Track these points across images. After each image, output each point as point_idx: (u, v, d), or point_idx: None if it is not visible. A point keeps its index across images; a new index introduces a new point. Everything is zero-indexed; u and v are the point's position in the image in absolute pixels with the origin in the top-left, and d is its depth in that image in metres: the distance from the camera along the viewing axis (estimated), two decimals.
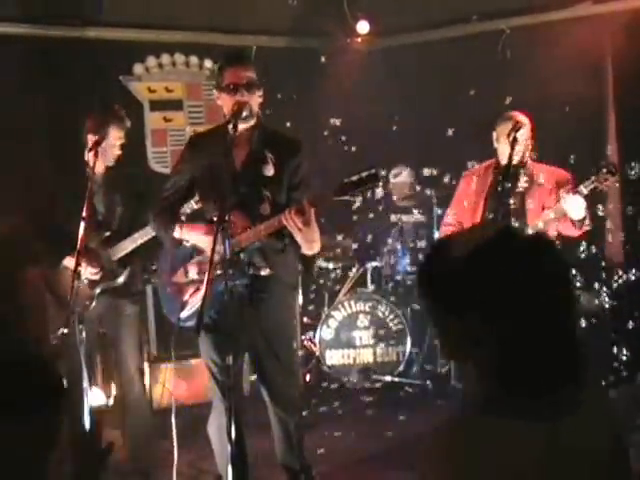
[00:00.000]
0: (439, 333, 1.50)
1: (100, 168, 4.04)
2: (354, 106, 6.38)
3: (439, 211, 5.70)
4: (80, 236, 3.58)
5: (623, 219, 5.73)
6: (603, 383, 4.97)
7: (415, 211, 6.30)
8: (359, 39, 6.89)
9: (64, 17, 5.87)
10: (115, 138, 4.02)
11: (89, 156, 3.88)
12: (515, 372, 1.40)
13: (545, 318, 1.38)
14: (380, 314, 5.95)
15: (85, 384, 3.66)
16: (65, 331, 3.50)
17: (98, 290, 3.99)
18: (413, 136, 6.42)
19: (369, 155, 6.14)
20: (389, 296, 6.11)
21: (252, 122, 3.40)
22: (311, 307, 6.27)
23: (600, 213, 4.48)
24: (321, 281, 6.28)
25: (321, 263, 6.21)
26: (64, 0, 5.82)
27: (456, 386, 5.47)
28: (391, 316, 5.93)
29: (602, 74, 5.96)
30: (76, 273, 3.56)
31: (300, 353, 4.26)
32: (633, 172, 4.18)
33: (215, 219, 2.97)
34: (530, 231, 4.04)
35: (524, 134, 4.16)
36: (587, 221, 3.97)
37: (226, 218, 2.94)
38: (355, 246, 6.36)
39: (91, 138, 3.98)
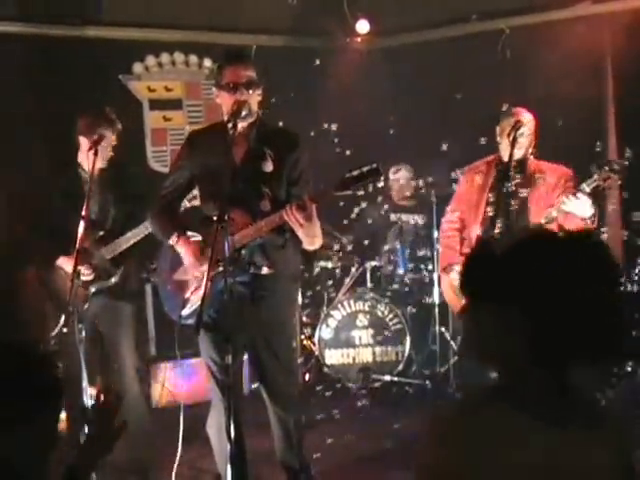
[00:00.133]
0: (476, 329, 1.49)
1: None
2: (353, 105, 6.39)
3: (440, 209, 5.69)
4: (79, 236, 3.59)
5: (623, 218, 5.74)
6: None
7: (415, 210, 6.31)
8: (359, 39, 6.90)
9: (64, 16, 5.87)
10: (107, 140, 4.03)
11: (88, 156, 3.91)
12: (542, 370, 1.42)
13: (584, 317, 1.38)
14: (379, 314, 5.95)
15: (84, 383, 3.66)
16: (65, 330, 3.50)
17: (92, 289, 3.99)
18: (412, 135, 6.41)
19: (368, 154, 6.13)
20: (388, 295, 6.11)
21: (251, 120, 3.40)
22: (310, 306, 6.27)
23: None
24: (320, 280, 6.28)
25: (320, 262, 6.21)
26: None
27: (455, 384, 5.48)
28: (390, 316, 5.93)
29: (601, 74, 5.97)
30: (75, 273, 3.57)
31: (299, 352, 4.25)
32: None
33: (215, 217, 2.97)
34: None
35: (526, 132, 4.16)
36: (596, 217, 3.97)
37: (226, 217, 2.94)
38: (354, 245, 6.35)
39: (82, 140, 4.03)
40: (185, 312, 3.33)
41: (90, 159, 3.84)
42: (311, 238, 3.24)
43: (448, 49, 6.46)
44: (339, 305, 5.99)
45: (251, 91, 3.35)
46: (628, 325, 1.44)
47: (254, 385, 3.57)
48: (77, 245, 3.61)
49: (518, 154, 4.18)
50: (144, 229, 3.95)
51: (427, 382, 5.70)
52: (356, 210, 6.33)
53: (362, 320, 5.97)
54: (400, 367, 5.87)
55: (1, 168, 5.15)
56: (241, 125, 3.34)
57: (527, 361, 1.42)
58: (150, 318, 5.81)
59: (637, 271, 5.20)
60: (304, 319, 6.12)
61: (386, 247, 6.25)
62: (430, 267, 5.94)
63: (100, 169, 4.07)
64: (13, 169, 4.85)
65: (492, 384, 1.49)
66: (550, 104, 5.40)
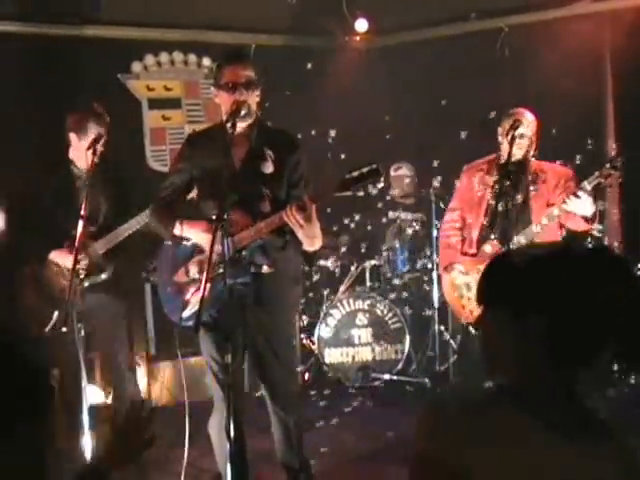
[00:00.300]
0: (494, 337, 1.50)
1: (84, 165, 4.10)
2: (352, 104, 6.39)
3: (439, 207, 5.69)
4: (78, 235, 3.60)
5: (622, 216, 5.74)
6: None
7: (414, 208, 6.31)
8: (358, 37, 6.90)
9: (63, 15, 5.87)
10: (95, 135, 4.06)
11: (79, 152, 3.96)
12: (554, 376, 1.43)
13: (601, 326, 1.40)
14: (379, 312, 5.95)
15: (84, 382, 3.66)
16: (64, 329, 3.50)
17: (86, 284, 3.99)
18: (412, 134, 6.42)
19: (367, 153, 6.14)
20: (388, 294, 6.11)
21: (250, 120, 3.40)
22: (310, 305, 6.27)
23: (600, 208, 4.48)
24: (320, 279, 6.28)
25: (320, 261, 6.21)
26: None
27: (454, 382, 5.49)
28: (390, 314, 5.93)
29: (601, 72, 5.97)
30: (75, 271, 3.58)
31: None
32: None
33: (214, 217, 2.96)
34: (534, 229, 4.05)
35: (526, 132, 4.16)
36: (597, 215, 3.98)
37: (225, 216, 2.94)
38: (353, 244, 6.35)
39: (72, 136, 4.09)
40: (186, 314, 3.31)
41: (88, 157, 3.87)
42: (311, 239, 3.24)
43: (447, 48, 6.46)
44: (338, 304, 5.99)
45: (250, 91, 3.34)
46: None
47: (258, 394, 3.57)
48: (76, 244, 3.61)
49: (519, 154, 4.19)
50: (135, 223, 4.01)
51: (426, 381, 5.71)
52: (357, 217, 6.33)
53: (361, 319, 5.97)
54: (400, 366, 5.88)
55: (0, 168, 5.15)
56: (240, 125, 3.33)
57: (542, 368, 1.43)
58: (149, 317, 5.80)
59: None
60: (303, 318, 6.12)
61: (385, 246, 6.25)
62: (430, 266, 5.94)
63: (88, 165, 4.10)
64: (12, 168, 4.84)
65: (497, 385, 1.49)
66: (549, 102, 5.41)
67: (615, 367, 1.52)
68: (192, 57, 6.60)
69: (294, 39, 6.83)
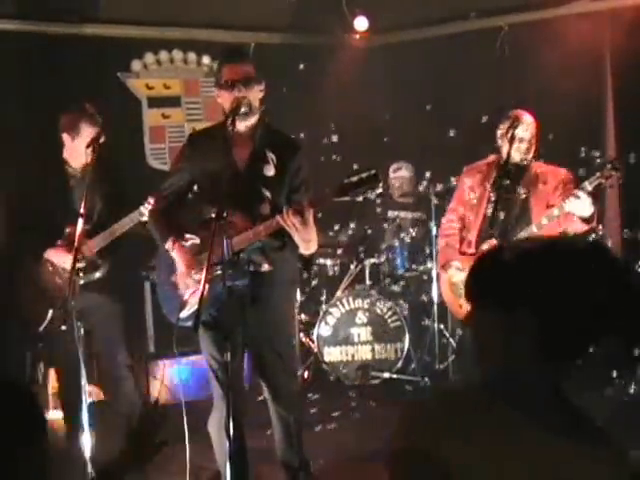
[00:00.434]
0: (482, 332, 1.49)
1: (78, 164, 4.13)
2: (352, 102, 6.38)
3: (439, 207, 5.69)
4: (78, 234, 3.60)
5: (621, 214, 5.74)
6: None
7: (413, 207, 6.31)
8: (357, 36, 6.90)
9: (62, 13, 5.86)
10: (88, 134, 4.07)
11: (87, 152, 3.97)
12: (544, 373, 1.42)
13: (592, 319, 1.38)
14: (378, 311, 5.95)
15: (83, 381, 3.66)
16: (64, 327, 3.50)
17: (81, 282, 3.99)
18: (411, 133, 6.41)
19: (367, 153, 6.15)
20: (387, 293, 6.11)
21: (253, 120, 3.39)
22: (309, 304, 6.26)
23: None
24: (319, 278, 6.28)
25: (319, 260, 6.21)
26: None
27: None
28: (389, 313, 5.93)
29: (600, 70, 5.97)
30: (74, 270, 3.58)
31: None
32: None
33: (214, 216, 2.96)
34: (534, 229, 4.05)
35: (524, 133, 4.16)
36: (595, 216, 3.98)
37: (224, 215, 2.94)
38: (353, 243, 6.35)
39: (65, 137, 4.12)
40: (184, 314, 3.31)
41: (87, 155, 3.89)
42: (307, 242, 3.23)
43: (447, 46, 6.47)
44: (338, 303, 5.99)
45: (250, 88, 3.34)
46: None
47: (260, 397, 3.58)
48: (76, 242, 3.61)
49: (518, 156, 4.19)
50: (129, 221, 4.01)
51: (426, 379, 5.71)
52: (352, 225, 6.32)
53: (361, 317, 5.97)
54: (399, 364, 5.88)
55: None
56: (244, 125, 3.34)
57: (530, 364, 1.42)
58: (149, 315, 5.81)
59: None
60: (303, 317, 6.11)
61: (385, 244, 6.24)
62: (429, 265, 5.94)
63: (85, 163, 4.12)
64: (9, 168, 4.85)
65: (481, 382, 1.47)
66: (549, 101, 5.41)
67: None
68: (192, 55, 6.60)
69: (294, 37, 6.83)
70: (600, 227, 5.01)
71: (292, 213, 3.11)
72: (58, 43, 5.88)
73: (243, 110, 3.28)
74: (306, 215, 3.11)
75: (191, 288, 3.34)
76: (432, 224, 5.78)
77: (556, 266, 1.41)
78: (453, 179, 5.28)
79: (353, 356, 5.96)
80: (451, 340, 5.73)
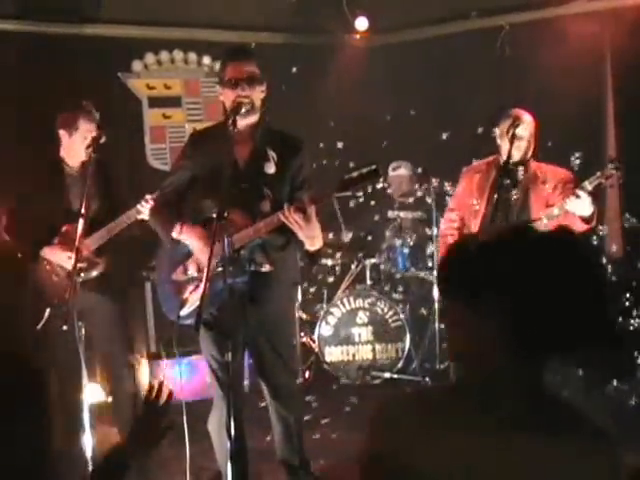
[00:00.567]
0: (454, 324, 1.47)
1: (75, 162, 4.16)
2: (352, 102, 6.38)
3: (439, 206, 5.69)
4: (79, 233, 3.61)
5: (622, 214, 5.73)
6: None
7: (414, 207, 6.31)
8: (358, 36, 6.90)
9: (62, 14, 5.86)
10: (85, 132, 4.09)
11: (87, 151, 4.00)
12: (519, 368, 1.39)
13: (563, 311, 1.35)
14: (379, 311, 5.95)
15: (84, 380, 3.66)
16: (64, 328, 3.50)
17: (79, 280, 3.99)
18: (412, 133, 6.41)
19: (367, 152, 6.14)
20: (388, 293, 6.11)
21: (254, 118, 3.39)
22: (310, 304, 6.26)
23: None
24: (320, 277, 6.28)
25: (321, 259, 6.20)
26: None
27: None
28: (390, 313, 5.93)
29: (601, 70, 5.97)
30: (75, 270, 3.58)
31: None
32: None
33: (214, 215, 2.96)
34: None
35: (525, 134, 4.16)
36: (595, 216, 3.97)
37: (225, 214, 2.94)
38: (353, 243, 6.35)
39: (62, 133, 4.15)
40: (184, 312, 3.31)
41: (87, 154, 3.92)
42: (311, 239, 3.23)
43: (447, 46, 6.46)
44: (339, 302, 5.99)
45: (253, 87, 3.34)
46: (612, 320, 1.38)
47: (263, 404, 3.58)
48: (77, 242, 3.62)
49: (518, 155, 4.18)
50: (126, 219, 4.04)
51: (427, 379, 5.71)
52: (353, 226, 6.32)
53: (362, 317, 5.97)
54: (400, 364, 5.88)
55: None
56: (245, 123, 3.34)
57: (504, 358, 1.39)
58: (150, 315, 5.81)
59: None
60: (304, 316, 6.11)
61: (385, 244, 6.24)
62: (429, 264, 5.94)
63: (82, 162, 4.14)
64: (7, 167, 4.85)
65: (457, 381, 1.46)
66: (549, 100, 5.40)
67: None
68: (192, 56, 6.60)
69: (294, 37, 6.82)
70: (600, 227, 5.01)
71: (294, 210, 3.11)
72: (59, 43, 5.88)
73: (244, 110, 3.28)
74: (308, 212, 3.10)
75: (192, 285, 3.34)
76: (432, 223, 5.78)
77: (523, 256, 1.37)
78: (448, 185, 5.30)
79: (354, 356, 5.96)
80: None
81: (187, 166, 3.49)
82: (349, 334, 5.97)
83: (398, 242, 6.15)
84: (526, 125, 4.18)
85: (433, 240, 5.73)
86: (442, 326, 5.78)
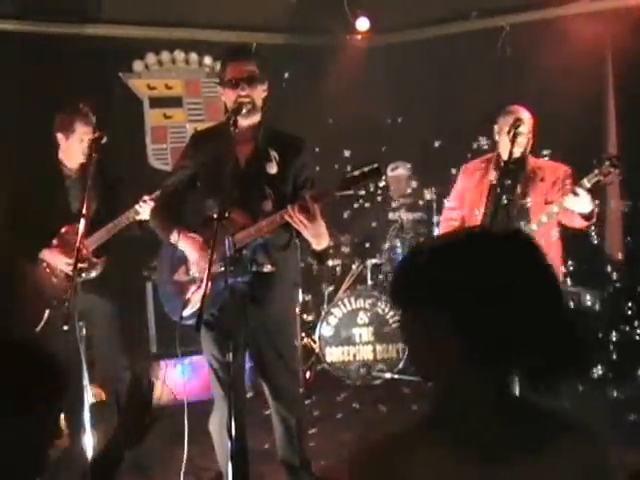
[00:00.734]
0: (410, 340, 1.42)
1: (74, 164, 4.20)
2: (353, 103, 6.38)
3: (439, 206, 5.69)
4: (80, 233, 3.61)
5: (623, 212, 5.73)
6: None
7: (414, 208, 6.31)
8: (359, 36, 6.90)
9: (63, 14, 5.87)
10: (82, 134, 4.11)
11: (85, 153, 4.01)
12: (481, 379, 1.33)
13: (515, 317, 1.29)
14: (380, 311, 5.95)
15: (85, 382, 3.66)
16: (65, 328, 3.50)
17: (78, 281, 3.99)
18: (412, 132, 6.41)
19: (368, 152, 6.14)
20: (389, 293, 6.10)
21: (256, 119, 3.40)
22: (311, 304, 6.26)
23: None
24: (321, 278, 6.28)
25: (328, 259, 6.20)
26: None
27: None
28: (391, 313, 5.93)
29: (602, 70, 5.97)
30: (76, 271, 3.58)
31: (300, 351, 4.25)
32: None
33: (215, 215, 2.97)
34: (534, 226, 4.04)
35: (523, 129, 4.16)
36: (595, 213, 3.97)
37: (226, 214, 2.94)
38: (354, 244, 6.35)
39: (60, 136, 4.19)
40: (186, 313, 3.32)
41: (87, 156, 3.92)
42: (317, 238, 3.23)
43: (448, 46, 6.46)
44: (339, 303, 5.99)
45: (253, 86, 3.34)
46: (572, 328, 1.32)
47: (267, 412, 3.58)
48: (77, 243, 3.62)
49: (517, 152, 4.18)
50: (125, 219, 4.08)
51: None
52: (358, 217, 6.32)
53: (362, 318, 5.97)
54: (400, 365, 5.88)
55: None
56: (247, 123, 3.34)
57: (463, 371, 1.34)
58: (151, 316, 5.81)
59: None
60: (305, 317, 6.12)
61: (386, 245, 6.24)
62: None
63: (81, 163, 4.14)
64: (10, 169, 4.86)
65: (427, 413, 1.38)
66: (550, 101, 5.40)
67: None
68: (193, 56, 6.60)
69: (295, 38, 6.83)
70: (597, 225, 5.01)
71: (298, 209, 3.11)
72: (59, 43, 5.88)
73: (245, 109, 3.29)
74: (312, 210, 3.11)
75: (194, 285, 3.34)
76: (433, 223, 5.78)
77: (470, 261, 1.32)
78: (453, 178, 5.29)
79: (355, 356, 5.96)
80: None
81: (189, 166, 3.50)
82: (350, 334, 5.97)
83: (399, 243, 6.14)
84: (525, 121, 4.18)
85: None
86: None
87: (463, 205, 4.43)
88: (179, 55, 6.56)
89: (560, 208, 3.96)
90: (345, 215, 6.30)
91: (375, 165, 3.10)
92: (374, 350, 5.95)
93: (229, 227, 3.03)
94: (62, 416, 4.08)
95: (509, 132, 4.10)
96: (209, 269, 2.89)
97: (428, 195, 5.97)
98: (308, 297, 6.20)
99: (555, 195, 4.09)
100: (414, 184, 6.38)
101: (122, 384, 4.22)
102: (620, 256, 5.70)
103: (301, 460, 3.52)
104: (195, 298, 3.29)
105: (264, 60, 3.51)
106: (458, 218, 4.47)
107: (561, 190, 4.08)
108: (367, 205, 6.34)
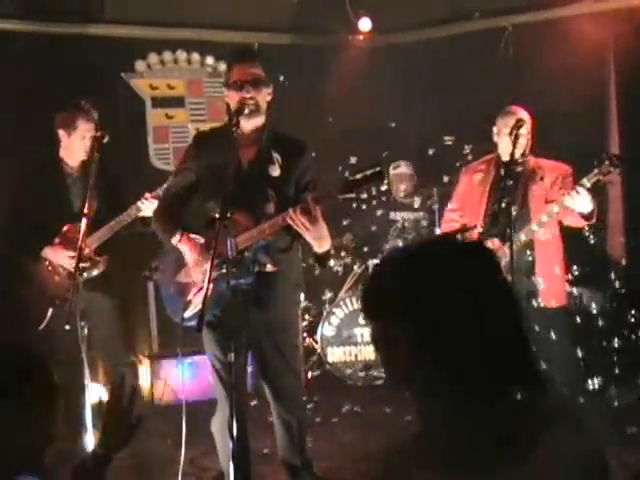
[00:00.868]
0: (384, 352, 1.41)
1: (75, 162, 4.21)
2: (355, 103, 6.38)
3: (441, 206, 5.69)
4: (81, 232, 3.61)
5: (624, 213, 5.73)
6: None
7: (416, 208, 6.30)
8: (361, 36, 6.90)
9: (65, 14, 5.87)
10: (84, 131, 4.11)
11: (87, 152, 4.02)
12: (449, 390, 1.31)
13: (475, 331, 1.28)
14: None
15: (86, 380, 3.67)
16: (67, 327, 3.51)
17: (80, 280, 3.99)
18: (415, 132, 6.41)
19: (370, 152, 6.14)
20: None
21: (260, 121, 3.39)
22: (312, 304, 6.26)
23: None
24: (322, 278, 6.28)
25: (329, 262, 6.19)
26: None
27: None
28: None
29: (604, 71, 5.96)
30: (77, 270, 3.59)
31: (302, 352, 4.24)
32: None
33: (217, 216, 2.96)
34: (534, 226, 4.04)
35: (525, 130, 4.16)
36: (595, 213, 3.97)
37: (228, 215, 2.94)
38: (356, 244, 6.35)
39: (62, 133, 4.19)
40: (187, 314, 3.32)
41: (86, 153, 3.99)
42: (319, 241, 3.22)
43: (450, 47, 6.46)
44: (341, 303, 5.99)
45: (258, 89, 3.34)
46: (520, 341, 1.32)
47: (271, 419, 3.58)
48: (79, 242, 3.62)
49: (518, 153, 4.18)
50: (127, 217, 4.10)
51: None
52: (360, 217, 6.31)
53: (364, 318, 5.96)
54: None
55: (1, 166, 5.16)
56: (251, 126, 3.34)
57: (429, 385, 1.32)
58: (153, 315, 5.81)
59: None
60: (306, 317, 6.12)
61: (388, 245, 6.24)
62: None
63: (82, 161, 4.15)
64: (11, 168, 4.86)
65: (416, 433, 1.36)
66: (552, 101, 5.40)
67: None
68: (195, 56, 6.60)
69: (297, 38, 6.82)
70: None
71: (300, 212, 3.10)
72: (61, 43, 5.88)
73: (247, 111, 3.28)
74: (314, 213, 3.10)
75: (196, 287, 3.34)
76: (435, 224, 5.77)
77: (431, 273, 1.31)
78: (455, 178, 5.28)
79: (356, 356, 5.96)
80: None
81: (191, 168, 3.49)
82: (351, 334, 5.97)
83: (401, 243, 6.14)
84: (526, 123, 4.18)
85: None
86: None
87: (464, 206, 4.43)
88: (181, 55, 6.56)
89: (560, 207, 3.96)
90: (345, 222, 6.29)
91: (378, 168, 3.09)
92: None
93: (231, 229, 3.03)
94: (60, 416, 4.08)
95: (511, 133, 4.09)
96: (211, 269, 2.89)
97: (430, 195, 5.96)
98: (310, 297, 6.20)
99: (555, 194, 4.09)
100: (416, 183, 6.37)
101: (124, 382, 4.22)
102: (622, 258, 5.69)
103: (302, 461, 3.51)
104: (196, 300, 3.29)
105: (267, 61, 3.51)
106: (458, 219, 4.47)
107: (561, 188, 4.08)
108: (369, 205, 6.33)
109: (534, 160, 4.27)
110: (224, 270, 3.10)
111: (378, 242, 6.34)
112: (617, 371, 5.00)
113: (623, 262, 5.63)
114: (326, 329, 5.94)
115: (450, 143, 5.63)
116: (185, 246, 3.37)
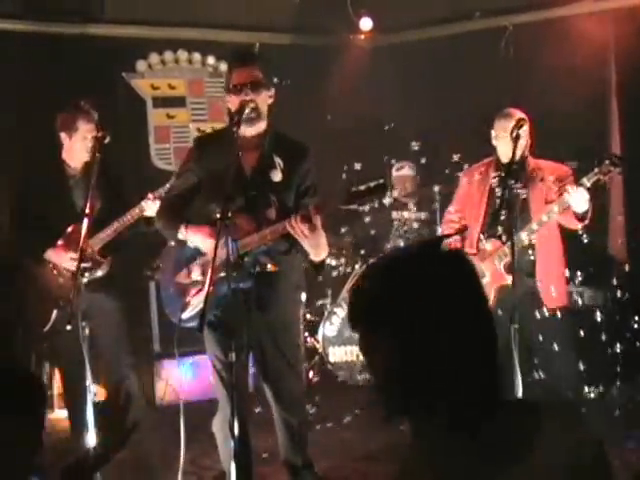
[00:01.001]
0: (370, 361, 1.41)
1: (78, 163, 4.19)
2: (357, 102, 6.38)
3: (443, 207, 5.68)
4: (83, 233, 3.61)
5: (626, 212, 5.73)
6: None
7: (417, 208, 6.30)
8: (362, 36, 6.90)
9: (66, 14, 5.88)
10: (85, 132, 4.11)
11: (89, 152, 4.02)
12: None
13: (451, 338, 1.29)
14: None
15: (88, 382, 3.67)
16: (68, 328, 3.51)
17: (84, 281, 3.99)
18: (415, 132, 6.41)
19: (371, 152, 6.15)
20: None
21: (262, 126, 3.39)
22: (314, 304, 6.26)
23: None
24: (324, 277, 6.27)
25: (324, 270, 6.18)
26: None
27: None
28: None
29: (605, 71, 5.96)
30: (79, 270, 3.59)
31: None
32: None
33: (218, 218, 2.96)
34: (534, 226, 4.04)
35: (521, 130, 4.16)
36: (589, 214, 3.97)
37: (229, 215, 2.94)
38: (358, 243, 6.35)
39: (63, 135, 4.18)
40: (185, 315, 3.32)
41: (88, 154, 3.98)
42: (316, 249, 3.22)
43: (451, 46, 6.46)
44: (343, 302, 5.99)
45: (257, 92, 3.34)
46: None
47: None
48: (81, 243, 3.62)
49: (518, 154, 4.18)
50: (130, 218, 4.09)
51: None
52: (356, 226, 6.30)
53: None
54: None
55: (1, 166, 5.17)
56: (253, 132, 3.34)
57: (417, 392, 1.33)
58: (154, 315, 5.82)
59: None
60: (308, 317, 6.11)
61: (389, 245, 6.24)
62: None
63: (85, 162, 4.16)
64: (12, 169, 4.87)
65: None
66: (553, 101, 5.40)
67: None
68: (196, 56, 6.60)
69: (298, 38, 6.83)
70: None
71: (300, 220, 3.10)
72: (62, 43, 5.89)
73: (247, 112, 3.27)
74: (314, 221, 3.10)
75: (195, 288, 3.34)
76: (436, 224, 5.77)
77: (407, 282, 1.31)
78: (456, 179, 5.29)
79: (358, 356, 5.95)
80: None
81: (193, 170, 3.49)
82: (353, 334, 5.93)
83: (403, 242, 6.14)
84: (526, 123, 4.18)
85: None
86: None
87: (463, 208, 4.44)
88: (182, 55, 6.56)
89: (560, 207, 3.96)
90: (345, 224, 6.28)
91: (381, 181, 3.08)
92: None
93: (233, 232, 3.03)
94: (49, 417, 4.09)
95: (512, 133, 4.09)
96: (212, 270, 2.89)
97: (431, 195, 5.95)
98: (311, 296, 6.19)
99: (555, 195, 4.09)
100: (418, 182, 6.37)
101: (127, 383, 4.23)
102: (623, 258, 5.68)
103: (304, 461, 3.51)
104: (195, 301, 3.29)
105: (267, 61, 3.51)
106: (458, 220, 4.47)
107: (561, 188, 4.08)
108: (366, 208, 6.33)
109: (534, 161, 4.27)
110: (224, 273, 3.09)
111: (379, 242, 6.33)
112: (619, 370, 5.00)
113: (623, 262, 5.62)
114: (327, 329, 5.95)
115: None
116: (194, 234, 3.34)
